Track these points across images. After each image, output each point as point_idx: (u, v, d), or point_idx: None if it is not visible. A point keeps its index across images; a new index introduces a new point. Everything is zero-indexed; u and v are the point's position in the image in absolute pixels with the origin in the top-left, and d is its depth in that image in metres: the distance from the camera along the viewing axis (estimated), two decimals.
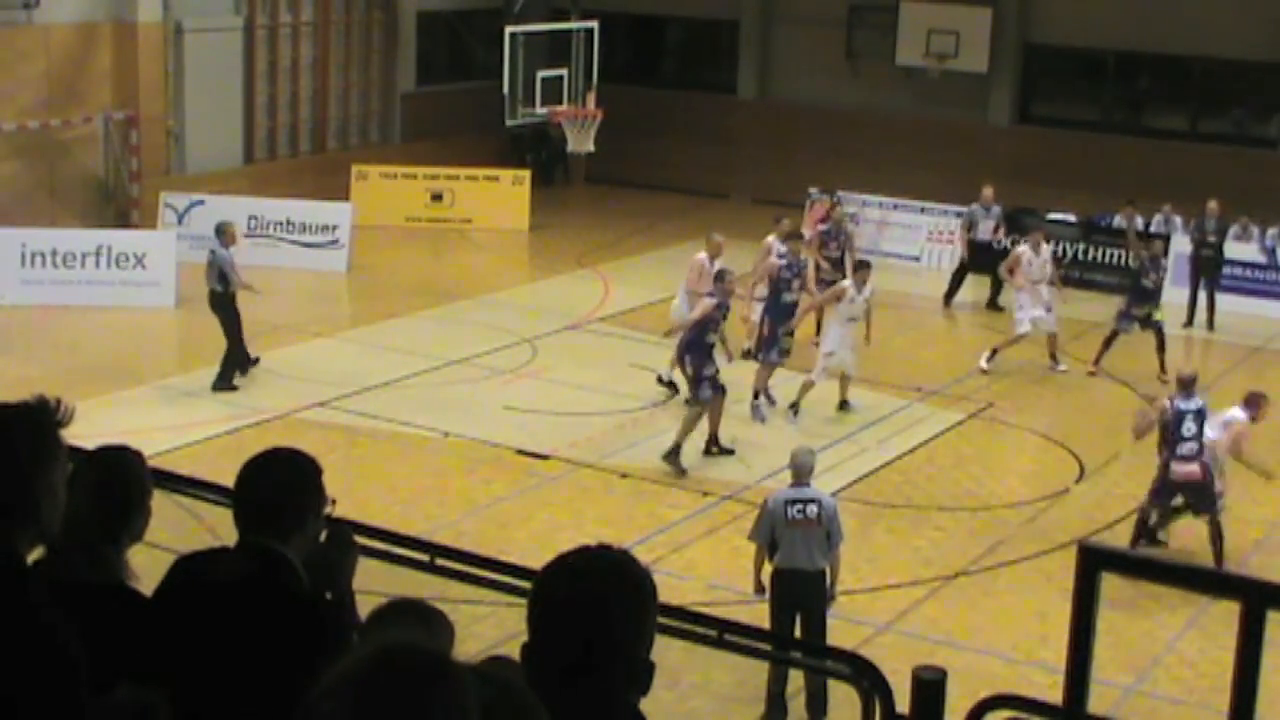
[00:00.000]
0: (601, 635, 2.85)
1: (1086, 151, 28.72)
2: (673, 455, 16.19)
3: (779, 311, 18.29)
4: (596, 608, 2.86)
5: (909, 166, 29.08)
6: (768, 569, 11.44)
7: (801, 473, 11.54)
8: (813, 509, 11.23)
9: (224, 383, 18.24)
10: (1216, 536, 14.12)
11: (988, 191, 24.68)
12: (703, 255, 18.77)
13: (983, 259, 24.03)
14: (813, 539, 11.21)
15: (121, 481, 4.19)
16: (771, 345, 18.20)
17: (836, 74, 31.13)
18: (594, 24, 28.52)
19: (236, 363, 18.37)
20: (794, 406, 18.00)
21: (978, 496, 16.20)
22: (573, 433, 17.33)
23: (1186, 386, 14.46)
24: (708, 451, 16.71)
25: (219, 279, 18.12)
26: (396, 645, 2.33)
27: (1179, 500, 14.49)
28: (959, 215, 26.88)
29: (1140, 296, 20.81)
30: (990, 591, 13.91)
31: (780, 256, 18.89)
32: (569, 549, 2.99)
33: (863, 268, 18.56)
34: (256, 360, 18.69)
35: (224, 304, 18.22)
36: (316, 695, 2.29)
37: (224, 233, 18.40)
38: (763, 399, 18.14)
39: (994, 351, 20.56)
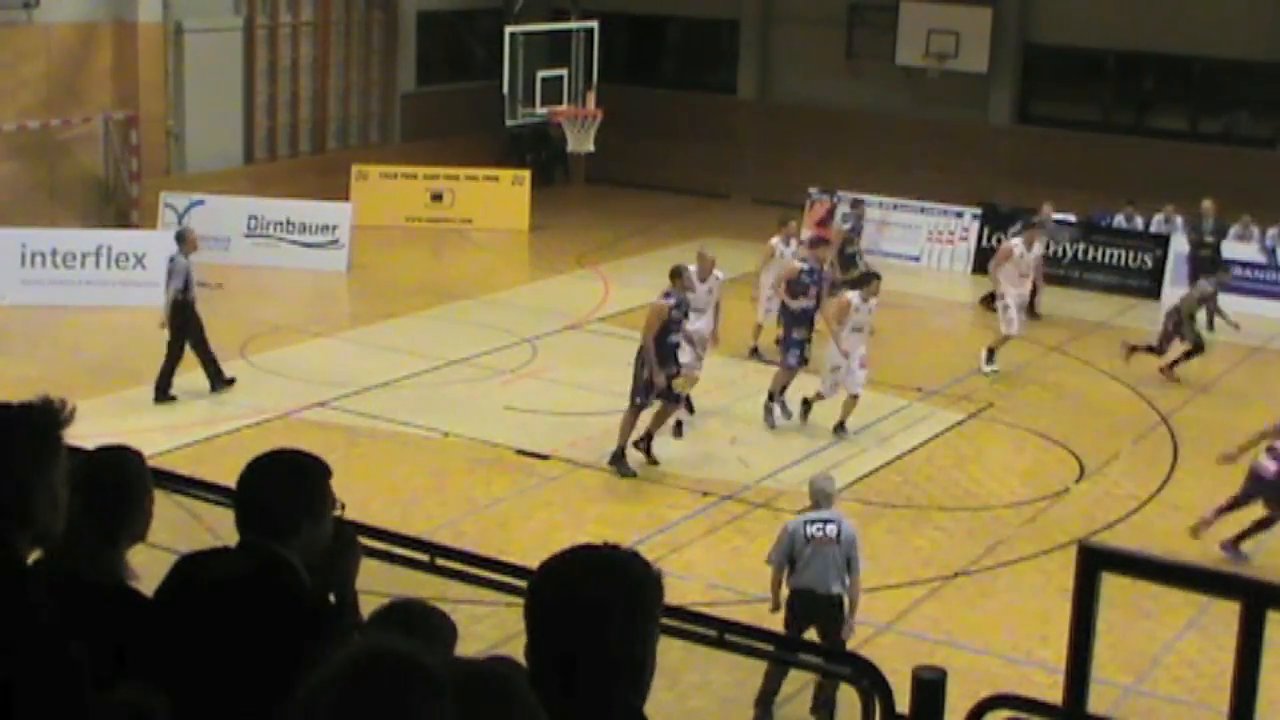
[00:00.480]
0: (595, 635, 2.83)
1: (1086, 151, 28.72)
2: (618, 459, 16.13)
3: (794, 316, 18.05)
4: (589, 607, 2.84)
5: (909, 166, 29.10)
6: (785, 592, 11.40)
7: (819, 499, 11.46)
8: (831, 529, 11.17)
9: (219, 382, 18.13)
10: (1266, 524, 14.37)
11: (1048, 208, 24.53)
12: (694, 268, 17.91)
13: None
14: (829, 559, 11.11)
15: (120, 482, 4.18)
16: (789, 348, 17.93)
17: (836, 74, 31.13)
18: (594, 24, 28.53)
19: (214, 361, 18.05)
20: (805, 403, 17.74)
21: (977, 496, 16.20)
22: (573, 433, 17.33)
23: None
24: (636, 445, 16.40)
25: (183, 286, 17.75)
26: (374, 649, 2.33)
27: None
28: (959, 215, 26.94)
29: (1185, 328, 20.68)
30: (990, 591, 13.91)
31: (803, 261, 18.58)
32: (566, 548, 2.98)
33: (874, 279, 18.23)
34: (173, 399, 17.88)
35: (184, 311, 17.83)
36: (298, 698, 2.29)
37: (184, 240, 18.12)
38: (776, 405, 17.83)
39: (990, 353, 20.49)
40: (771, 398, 17.83)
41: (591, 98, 27.94)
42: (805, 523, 11.28)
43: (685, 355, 16.75)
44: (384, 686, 2.29)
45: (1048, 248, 24.58)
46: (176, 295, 17.77)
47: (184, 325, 17.84)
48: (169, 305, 17.80)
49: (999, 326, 20.65)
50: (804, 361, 17.89)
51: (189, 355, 17.99)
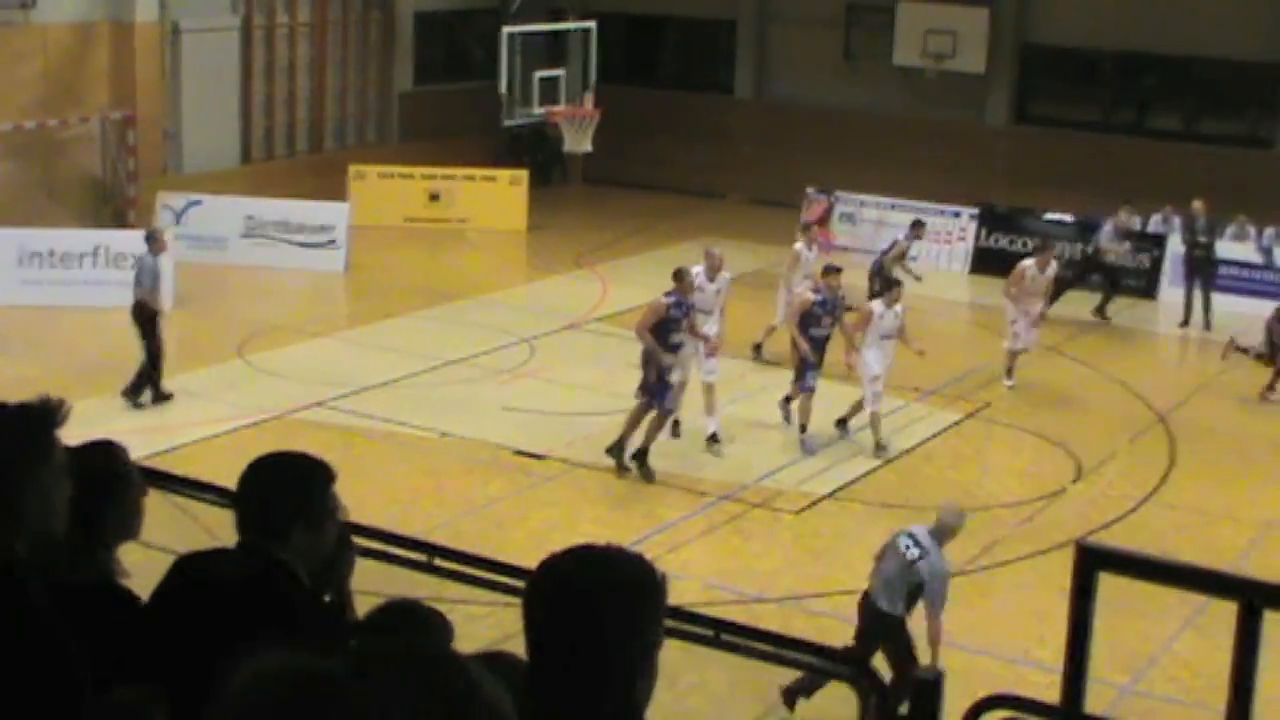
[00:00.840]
0: (594, 635, 2.82)
1: (1084, 152, 28.72)
2: (640, 460, 16.01)
3: (810, 341, 17.36)
4: (589, 607, 2.83)
5: (907, 167, 29.08)
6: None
7: (937, 524, 11.35)
8: (913, 552, 11.03)
9: (137, 394, 17.57)
10: None
11: (1123, 215, 24.39)
12: (699, 269, 17.70)
13: (1112, 275, 24.04)
14: (890, 577, 11.07)
15: (101, 477, 4.14)
16: (804, 372, 17.31)
17: (834, 74, 31.13)
18: (592, 24, 28.53)
19: (155, 373, 17.63)
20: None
21: (975, 496, 16.17)
22: (570, 432, 17.33)
23: None
24: (608, 451, 16.20)
25: (151, 286, 17.52)
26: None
27: None
28: (956, 215, 26.94)
29: None
30: (987, 591, 13.91)
31: (815, 291, 17.92)
32: (568, 547, 2.98)
33: (895, 285, 17.99)
34: (169, 397, 17.70)
35: (147, 315, 17.52)
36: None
37: (154, 240, 17.93)
38: (809, 433, 17.28)
39: (1009, 370, 20.04)
40: (804, 429, 17.27)
41: (589, 98, 27.94)
42: (905, 534, 11.27)
43: (686, 354, 16.55)
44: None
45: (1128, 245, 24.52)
46: (143, 295, 17.56)
47: (151, 323, 17.58)
48: (150, 305, 17.53)
49: (1004, 343, 20.22)
50: (809, 391, 17.26)
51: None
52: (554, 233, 28.14)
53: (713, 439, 17.09)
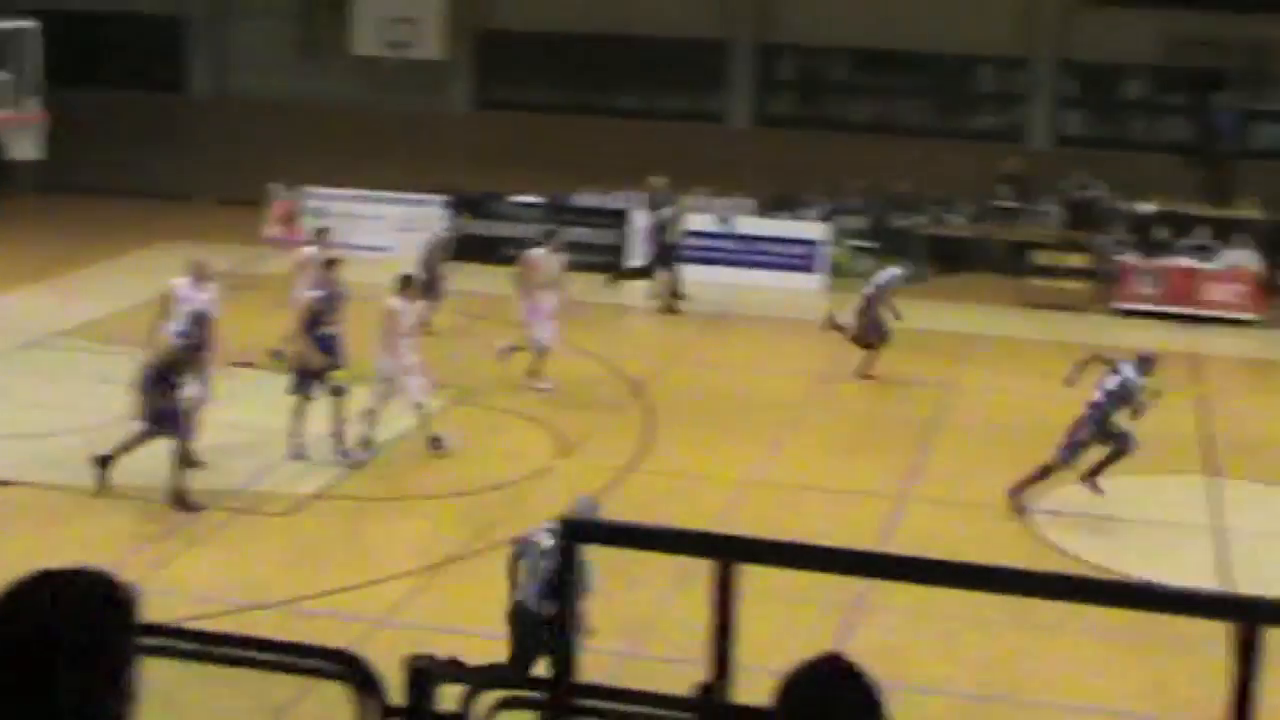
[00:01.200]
0: (49, 660, 2.68)
1: (548, 134, 29.38)
2: (183, 504, 15.17)
3: (320, 346, 16.73)
4: (42, 632, 2.70)
5: (373, 158, 29.00)
6: None
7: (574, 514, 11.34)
8: (549, 541, 11.04)
9: None
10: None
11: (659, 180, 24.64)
12: (180, 280, 16.92)
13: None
14: (544, 576, 11.10)
15: None
16: (308, 381, 16.62)
17: (294, 67, 30.79)
18: (34, 23, 27.08)
19: None
20: (366, 442, 16.84)
21: (461, 481, 16.30)
22: (40, 454, 16.41)
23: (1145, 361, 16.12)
24: (96, 460, 15.48)
25: None
26: None
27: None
28: (426, 204, 27.05)
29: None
30: (484, 574, 14.01)
31: (316, 290, 17.24)
32: (25, 575, 2.81)
33: (408, 280, 17.60)
34: None
35: None
36: None
37: None
38: (349, 443, 16.69)
39: (533, 374, 19.51)
40: (338, 437, 16.65)
41: (34, 101, 26.59)
42: (542, 530, 11.26)
43: (194, 389, 15.76)
44: None
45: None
46: None
47: None
48: None
49: (529, 344, 19.70)
50: (340, 392, 16.64)
51: None
52: (5, 247, 26.52)
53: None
